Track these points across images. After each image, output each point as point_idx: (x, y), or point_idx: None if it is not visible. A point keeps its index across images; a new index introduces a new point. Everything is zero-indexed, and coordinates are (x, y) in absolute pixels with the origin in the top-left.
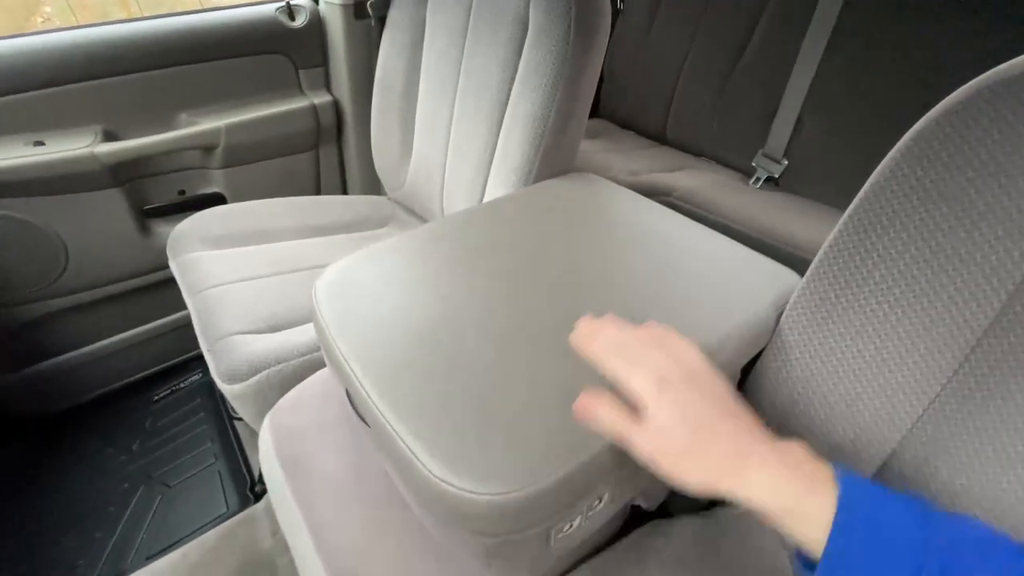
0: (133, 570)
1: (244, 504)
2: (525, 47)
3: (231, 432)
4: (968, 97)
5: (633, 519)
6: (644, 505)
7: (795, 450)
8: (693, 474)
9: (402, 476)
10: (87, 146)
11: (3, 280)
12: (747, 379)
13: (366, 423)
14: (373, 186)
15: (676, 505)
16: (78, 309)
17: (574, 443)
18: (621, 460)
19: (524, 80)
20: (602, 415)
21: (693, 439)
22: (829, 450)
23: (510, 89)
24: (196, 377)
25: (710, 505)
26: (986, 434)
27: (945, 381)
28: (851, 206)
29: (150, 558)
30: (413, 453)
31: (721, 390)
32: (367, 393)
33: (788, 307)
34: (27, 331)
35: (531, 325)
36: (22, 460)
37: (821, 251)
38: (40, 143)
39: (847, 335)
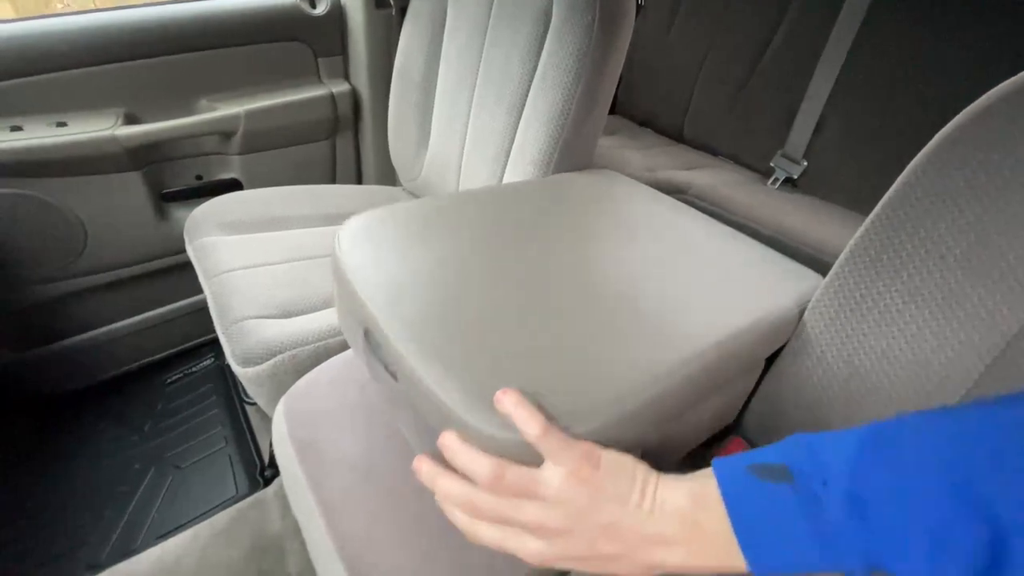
0: (143, 549)
1: (254, 488)
2: (547, 41)
3: (242, 417)
4: (1005, 96)
5: None
6: None
7: (673, 502)
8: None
9: (426, 421)
10: (108, 128)
11: (22, 259)
12: (770, 370)
13: (389, 373)
14: (388, 176)
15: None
16: (95, 290)
17: (607, 397)
18: (660, 412)
19: (545, 74)
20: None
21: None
22: None
23: (530, 83)
24: (208, 361)
25: None
26: None
27: (971, 385)
28: (879, 205)
29: (160, 537)
30: (439, 395)
31: (596, 490)
32: (389, 335)
33: (811, 304)
34: (44, 310)
35: (553, 297)
36: (36, 439)
37: (847, 249)
38: (63, 124)
39: (871, 335)
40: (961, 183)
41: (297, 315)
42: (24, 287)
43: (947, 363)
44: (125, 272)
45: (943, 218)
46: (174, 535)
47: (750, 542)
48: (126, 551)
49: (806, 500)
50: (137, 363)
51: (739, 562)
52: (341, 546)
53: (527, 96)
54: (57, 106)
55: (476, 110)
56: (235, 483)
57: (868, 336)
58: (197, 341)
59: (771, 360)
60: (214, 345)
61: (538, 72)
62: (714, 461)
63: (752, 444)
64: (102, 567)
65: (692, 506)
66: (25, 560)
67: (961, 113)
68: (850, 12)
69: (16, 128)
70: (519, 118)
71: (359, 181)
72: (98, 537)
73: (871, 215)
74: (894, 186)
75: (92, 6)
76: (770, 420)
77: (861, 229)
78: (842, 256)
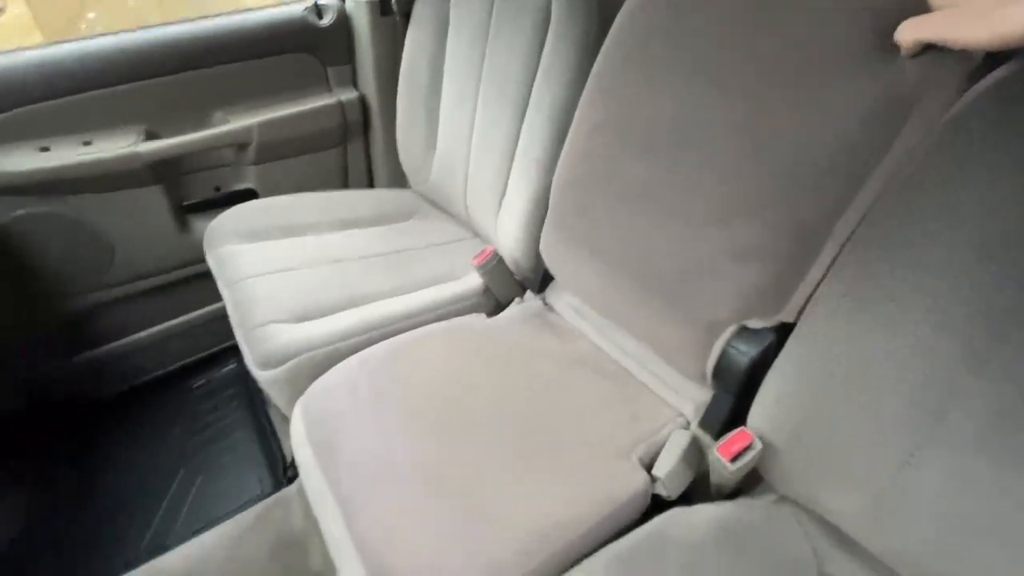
0: (174, 546)
1: (277, 487)
2: (548, 39)
3: (264, 418)
4: (1010, 75)
5: (654, 508)
6: (665, 494)
7: None
8: None
9: None
10: (130, 145)
11: (58, 274)
12: (775, 361)
13: None
14: (398, 180)
15: (698, 494)
16: (124, 301)
17: None
18: None
19: (547, 72)
20: None
21: None
22: (849, 442)
23: (533, 81)
24: (231, 367)
25: (732, 495)
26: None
27: (975, 374)
28: (884, 191)
29: (191, 535)
30: None
31: None
32: None
33: (817, 294)
34: (79, 321)
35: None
36: (75, 442)
37: (852, 237)
38: (88, 143)
39: (877, 323)
40: (974, 163)
41: (312, 318)
42: (61, 300)
43: (950, 351)
44: (151, 282)
45: (950, 201)
46: (203, 533)
47: None
48: (159, 548)
49: None
50: (164, 370)
51: None
52: (360, 544)
53: (530, 95)
54: (82, 126)
55: (481, 111)
56: (259, 482)
57: (873, 324)
58: (219, 347)
59: (778, 348)
60: (235, 351)
61: (540, 70)
62: None
63: (758, 434)
64: (137, 564)
65: None
66: (64, 556)
67: (968, 92)
68: None
69: (44, 149)
70: (523, 117)
71: (370, 185)
72: (133, 535)
73: (876, 201)
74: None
75: (119, 16)
76: (775, 410)
77: (865, 216)
78: (848, 244)
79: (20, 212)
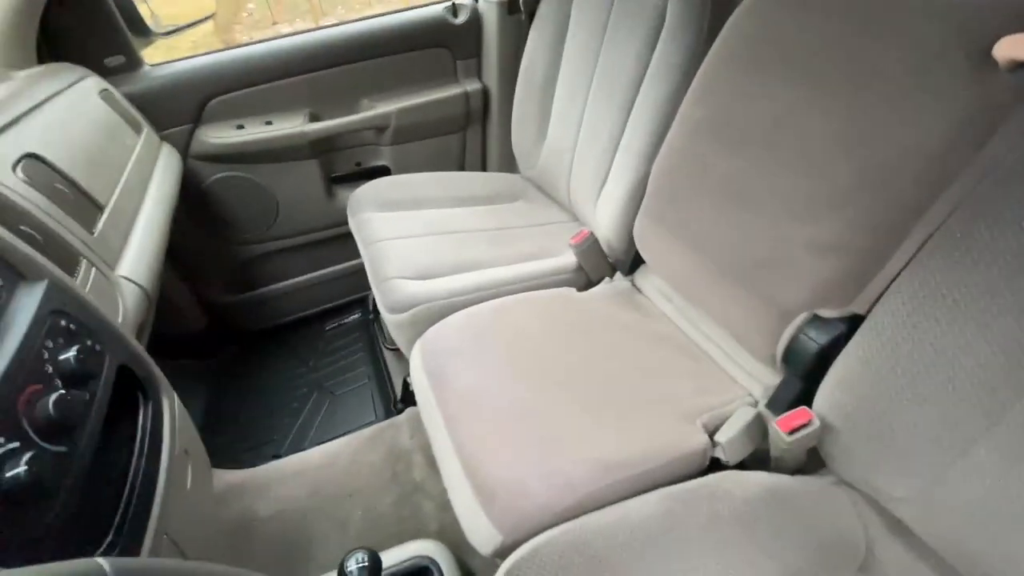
0: (311, 447)
1: (389, 415)
2: (660, 40)
3: (382, 361)
4: None
5: (712, 469)
6: (724, 458)
7: None
8: None
9: None
10: (298, 126)
11: (237, 224)
12: (845, 348)
13: None
14: (509, 164)
15: (754, 464)
16: (282, 252)
17: None
18: None
19: (655, 71)
20: None
21: None
22: (909, 431)
23: (642, 79)
24: (356, 316)
25: (793, 475)
26: None
27: None
28: (963, 195)
29: (322, 442)
30: None
31: None
32: None
33: (890, 291)
34: (247, 265)
35: None
36: (237, 362)
37: (930, 238)
38: (269, 123)
39: (944, 323)
40: None
41: (431, 277)
42: (238, 246)
43: (1012, 358)
44: (303, 239)
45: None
46: (332, 440)
47: None
48: (298, 448)
49: None
50: (306, 312)
51: None
52: (459, 447)
53: (637, 92)
54: (265, 109)
55: (591, 105)
56: (375, 411)
57: (940, 324)
58: (349, 299)
59: (848, 338)
60: (362, 303)
61: (650, 69)
62: None
63: (822, 417)
64: (282, 456)
65: None
66: (234, 444)
67: None
68: None
69: (240, 127)
70: (628, 113)
71: (484, 168)
72: (280, 438)
73: (957, 206)
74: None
75: (270, 15)
76: (839, 395)
77: (947, 219)
78: (927, 245)
79: (219, 176)
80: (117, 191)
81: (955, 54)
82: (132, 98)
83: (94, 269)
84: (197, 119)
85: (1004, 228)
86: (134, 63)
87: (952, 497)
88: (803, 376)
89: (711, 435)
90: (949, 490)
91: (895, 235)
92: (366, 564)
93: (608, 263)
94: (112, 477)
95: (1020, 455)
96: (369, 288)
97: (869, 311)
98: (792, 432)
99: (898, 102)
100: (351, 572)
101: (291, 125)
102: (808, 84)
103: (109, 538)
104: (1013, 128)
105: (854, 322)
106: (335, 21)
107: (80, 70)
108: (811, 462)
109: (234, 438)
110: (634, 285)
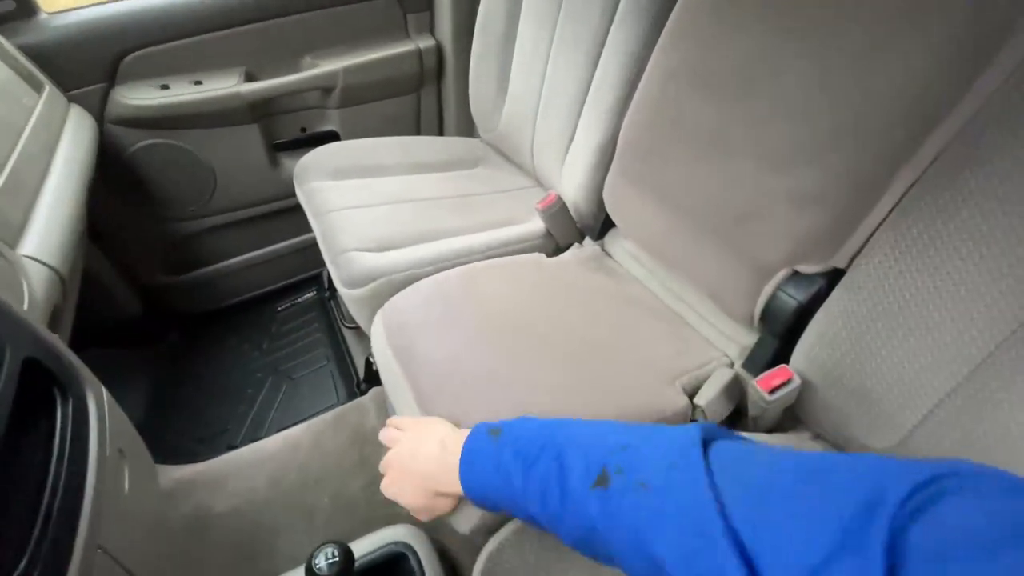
0: (269, 434)
1: (352, 396)
2: None
3: (341, 340)
4: None
5: None
6: (705, 420)
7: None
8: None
9: None
10: (233, 86)
11: (169, 199)
12: (823, 304)
13: None
14: (467, 128)
15: (730, 425)
16: (223, 228)
17: None
18: None
19: (624, 18)
20: None
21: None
22: (885, 382)
23: (608, 29)
24: (311, 294)
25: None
26: None
27: (1008, 334)
28: (946, 144)
29: (281, 429)
30: None
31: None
32: None
33: (871, 241)
34: (185, 243)
35: None
36: (183, 348)
37: (913, 187)
38: (199, 82)
39: (925, 272)
40: None
41: (389, 249)
42: (173, 223)
43: (999, 299)
44: (244, 213)
45: (1012, 152)
46: (292, 427)
47: (463, 470)
48: (255, 437)
49: (496, 447)
50: (254, 292)
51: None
52: None
53: (605, 42)
54: (194, 66)
55: (554, 59)
56: (336, 394)
57: (922, 273)
58: (301, 276)
59: (827, 294)
60: (317, 280)
61: (616, 17)
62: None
63: (799, 373)
64: (238, 447)
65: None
66: (183, 437)
67: None
68: None
69: (164, 87)
70: (596, 65)
71: (440, 133)
72: (235, 426)
73: (939, 153)
74: (963, 119)
75: None
76: (818, 351)
77: (926, 165)
78: (910, 192)
79: (144, 143)
80: (13, 158)
81: None
82: (27, 51)
83: None
84: (112, 77)
85: (991, 174)
86: (27, 9)
87: (927, 446)
88: (780, 335)
89: (691, 397)
90: (924, 439)
91: (876, 185)
92: (337, 559)
93: (577, 228)
94: (26, 488)
95: (996, 403)
96: (323, 264)
97: (849, 264)
98: (773, 391)
99: (879, 39)
100: (320, 569)
101: (224, 85)
102: (782, 24)
103: (24, 560)
104: (1005, 56)
105: (833, 277)
106: None
107: None
108: (786, 420)
109: (183, 431)
110: (604, 250)
